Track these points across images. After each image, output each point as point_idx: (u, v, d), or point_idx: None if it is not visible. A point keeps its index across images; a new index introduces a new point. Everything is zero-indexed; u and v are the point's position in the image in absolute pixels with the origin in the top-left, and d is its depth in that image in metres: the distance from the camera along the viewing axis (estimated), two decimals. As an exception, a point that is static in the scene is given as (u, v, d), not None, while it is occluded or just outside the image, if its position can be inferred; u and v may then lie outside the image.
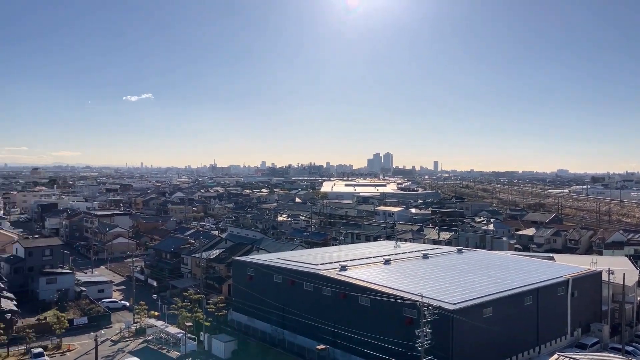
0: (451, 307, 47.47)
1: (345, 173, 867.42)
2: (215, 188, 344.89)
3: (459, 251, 79.68)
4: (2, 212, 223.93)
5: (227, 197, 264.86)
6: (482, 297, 51.87)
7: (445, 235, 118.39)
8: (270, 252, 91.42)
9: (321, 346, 56.72)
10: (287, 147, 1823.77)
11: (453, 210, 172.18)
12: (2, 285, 77.21)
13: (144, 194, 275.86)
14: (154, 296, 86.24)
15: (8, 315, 69.48)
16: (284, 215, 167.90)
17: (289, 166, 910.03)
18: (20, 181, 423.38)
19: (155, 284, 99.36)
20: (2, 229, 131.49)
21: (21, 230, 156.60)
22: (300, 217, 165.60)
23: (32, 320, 74.68)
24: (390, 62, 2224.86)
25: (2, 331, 62.27)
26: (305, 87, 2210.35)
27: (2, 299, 73.04)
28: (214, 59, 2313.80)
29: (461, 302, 49.50)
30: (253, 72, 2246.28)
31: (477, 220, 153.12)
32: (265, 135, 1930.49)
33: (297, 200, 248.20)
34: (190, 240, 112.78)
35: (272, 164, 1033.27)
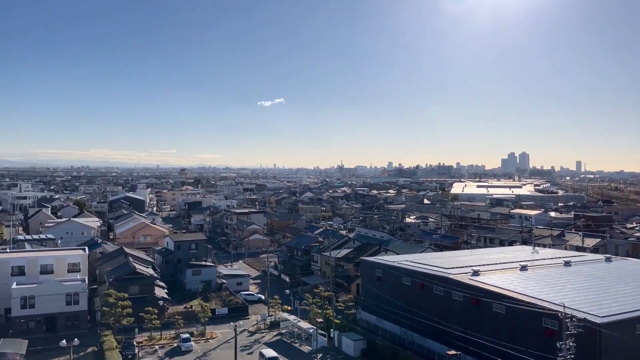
0: (598, 320, 43.44)
1: (477, 174, 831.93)
2: (342, 188, 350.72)
3: (607, 260, 72.52)
4: (155, 208, 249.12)
5: (354, 198, 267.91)
6: (636, 311, 46.78)
7: (591, 242, 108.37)
8: (398, 254, 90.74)
9: (452, 352, 55.14)
10: (415, 147, 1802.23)
11: (599, 214, 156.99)
12: (155, 275, 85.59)
13: (276, 194, 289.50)
14: (287, 291, 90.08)
15: (161, 302, 77.08)
16: (412, 217, 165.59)
17: (417, 167, 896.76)
18: (170, 181, 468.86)
19: (287, 279, 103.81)
20: (155, 224, 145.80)
21: (171, 225, 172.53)
22: (429, 219, 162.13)
23: (180, 308, 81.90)
24: (523, 58, 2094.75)
25: (156, 316, 69.26)
26: (433, 87, 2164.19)
27: (156, 288, 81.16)
28: (341, 62, 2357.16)
29: (610, 315, 45.10)
30: (379, 72, 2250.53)
31: (629, 226, 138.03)
32: (392, 136, 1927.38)
33: (426, 201, 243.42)
34: (320, 239, 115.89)
35: (399, 164, 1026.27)
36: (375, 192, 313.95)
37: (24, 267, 79.09)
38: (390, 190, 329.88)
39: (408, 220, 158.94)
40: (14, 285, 72.73)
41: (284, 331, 74.04)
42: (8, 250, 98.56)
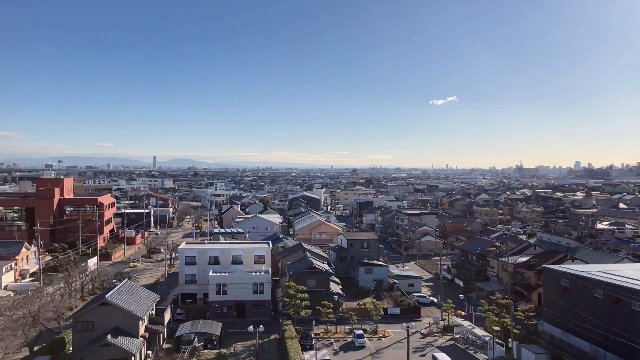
0: None
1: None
2: (521, 190, 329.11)
3: None
4: (329, 207, 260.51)
5: (535, 200, 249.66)
6: None
7: None
8: (587, 263, 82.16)
9: (656, 379, 48.10)
10: (608, 144, 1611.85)
11: None
12: (330, 271, 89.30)
13: (449, 195, 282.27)
14: (461, 296, 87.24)
15: (336, 297, 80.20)
16: (605, 223, 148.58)
17: (610, 167, 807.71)
18: (343, 181, 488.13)
19: (461, 283, 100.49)
20: (329, 222, 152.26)
21: (344, 224, 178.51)
22: (626, 226, 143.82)
23: (353, 304, 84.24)
24: None
25: (331, 310, 72.25)
26: (629, 76, 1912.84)
27: (331, 283, 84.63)
28: (518, 56, 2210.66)
29: None
30: (563, 64, 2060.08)
31: None
32: (579, 133, 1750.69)
33: (622, 205, 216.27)
34: (496, 243, 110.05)
35: (589, 164, 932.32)
36: (559, 194, 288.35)
37: (219, 257, 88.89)
38: (578, 193, 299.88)
39: (599, 226, 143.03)
40: (210, 273, 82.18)
41: (457, 336, 71.80)
42: (206, 241, 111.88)
